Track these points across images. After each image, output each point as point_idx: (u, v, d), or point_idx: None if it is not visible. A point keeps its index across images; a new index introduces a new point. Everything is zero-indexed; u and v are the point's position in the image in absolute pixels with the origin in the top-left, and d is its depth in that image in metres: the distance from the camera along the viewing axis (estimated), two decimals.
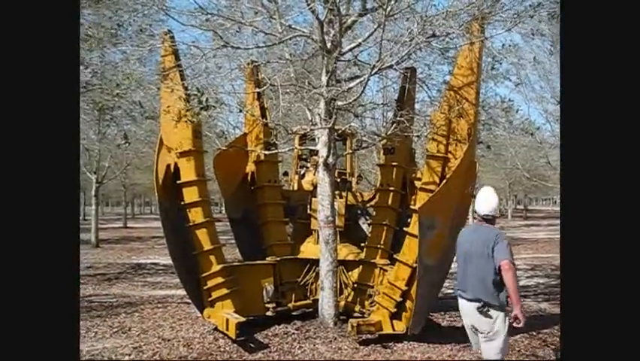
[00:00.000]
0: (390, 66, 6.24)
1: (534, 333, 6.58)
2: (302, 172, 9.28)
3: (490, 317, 4.05)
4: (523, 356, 5.70)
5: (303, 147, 8.78)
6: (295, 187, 9.00)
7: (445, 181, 5.80)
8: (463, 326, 6.93)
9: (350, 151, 8.88)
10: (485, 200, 4.27)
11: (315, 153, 6.73)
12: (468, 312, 4.22)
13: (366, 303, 6.96)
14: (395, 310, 6.27)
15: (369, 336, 6.10)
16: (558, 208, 30.73)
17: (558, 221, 22.70)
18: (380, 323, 6.20)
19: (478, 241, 4.13)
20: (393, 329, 6.18)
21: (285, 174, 10.45)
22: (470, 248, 4.19)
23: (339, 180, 8.43)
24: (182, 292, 7.12)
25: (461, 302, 4.29)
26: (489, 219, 4.26)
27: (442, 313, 7.67)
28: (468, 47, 5.98)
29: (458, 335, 6.44)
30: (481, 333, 4.14)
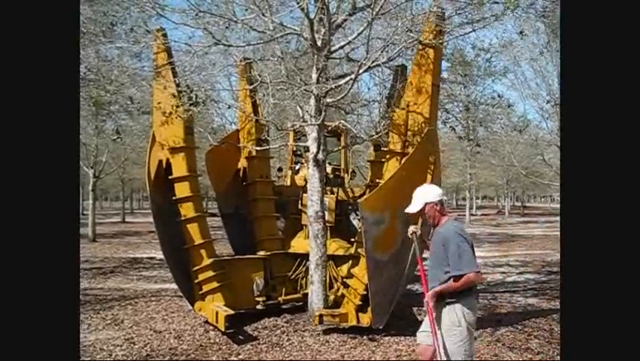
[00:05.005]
0: (379, 64, 6.34)
1: (519, 327, 6.69)
2: (296, 168, 9.39)
3: None
4: (507, 349, 5.81)
5: (295, 143, 8.89)
6: (288, 183, 9.10)
7: (390, 177, 5.89)
8: None
9: (342, 147, 8.98)
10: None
11: (309, 149, 6.83)
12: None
13: None
14: (360, 303, 6.37)
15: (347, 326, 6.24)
16: (556, 205, 30.74)
17: (555, 218, 22.74)
18: (346, 315, 6.34)
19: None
20: (358, 322, 6.31)
21: (280, 169, 10.58)
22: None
23: (332, 175, 8.54)
24: (176, 285, 7.25)
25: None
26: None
27: None
28: (420, 47, 6.13)
29: None
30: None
